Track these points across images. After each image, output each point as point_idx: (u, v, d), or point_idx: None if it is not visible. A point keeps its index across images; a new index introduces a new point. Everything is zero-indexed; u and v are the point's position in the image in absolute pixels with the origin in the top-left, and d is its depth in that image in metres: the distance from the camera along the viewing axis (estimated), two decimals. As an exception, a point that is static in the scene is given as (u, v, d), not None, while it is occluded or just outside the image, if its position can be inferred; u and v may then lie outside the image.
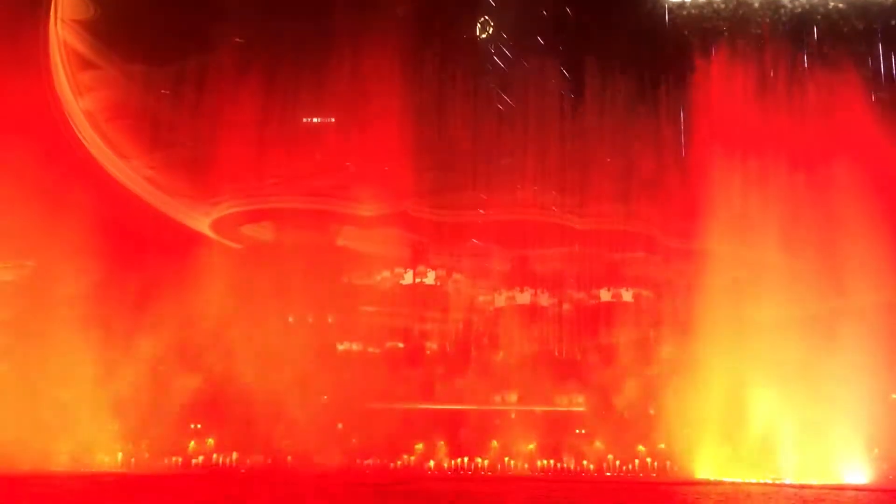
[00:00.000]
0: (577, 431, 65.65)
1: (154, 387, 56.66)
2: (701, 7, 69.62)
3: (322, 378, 62.41)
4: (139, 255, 60.58)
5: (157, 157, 65.10)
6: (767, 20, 68.84)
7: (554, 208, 66.96)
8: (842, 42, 67.47)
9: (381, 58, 61.97)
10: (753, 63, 63.90)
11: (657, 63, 65.35)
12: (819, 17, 68.88)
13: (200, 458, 58.37)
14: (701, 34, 68.17)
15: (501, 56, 66.73)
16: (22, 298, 61.00)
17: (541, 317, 67.61)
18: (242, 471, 56.88)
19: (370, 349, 67.41)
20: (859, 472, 53.66)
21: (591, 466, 62.28)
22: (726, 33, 68.20)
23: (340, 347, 66.21)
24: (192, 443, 59.98)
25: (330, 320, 66.15)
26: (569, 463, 62.82)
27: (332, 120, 64.63)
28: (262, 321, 61.79)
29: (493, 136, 64.67)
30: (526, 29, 67.04)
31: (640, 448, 64.21)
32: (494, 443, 64.47)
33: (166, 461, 56.83)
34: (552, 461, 63.22)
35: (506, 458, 62.43)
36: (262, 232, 68.97)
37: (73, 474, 49.12)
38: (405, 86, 63.16)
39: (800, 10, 68.97)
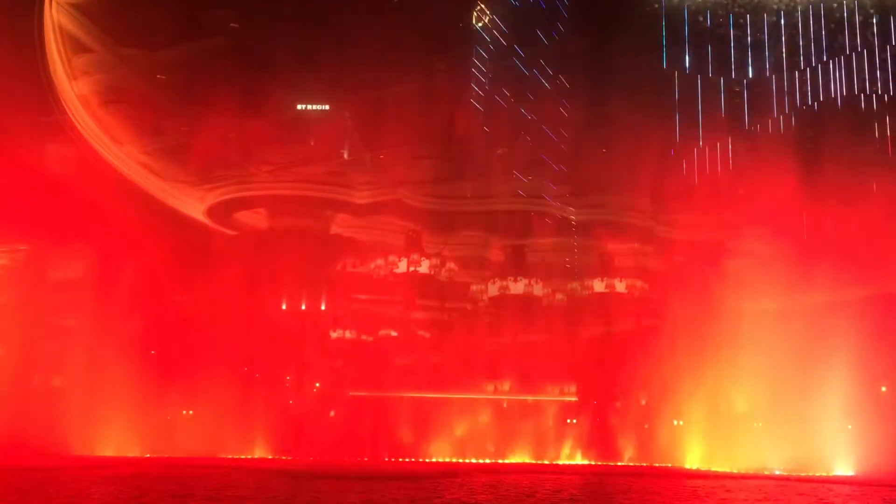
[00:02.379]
0: (569, 421, 65.96)
1: (145, 373, 56.68)
2: (698, 4, 69.21)
3: (315, 366, 62.77)
4: (133, 241, 60.57)
5: (151, 143, 64.81)
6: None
7: (549, 199, 67.02)
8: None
9: (377, 46, 61.72)
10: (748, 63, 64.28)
11: (656, 57, 65.17)
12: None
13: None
14: (697, 33, 67.92)
15: (498, 46, 66.48)
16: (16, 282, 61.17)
17: (534, 306, 67.68)
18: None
19: (363, 337, 67.52)
20: (847, 463, 53.93)
21: (583, 456, 62.67)
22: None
23: (333, 335, 66.33)
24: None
25: (323, 308, 66.29)
26: (560, 453, 63.13)
27: (327, 107, 64.42)
28: (255, 308, 61.99)
29: (488, 125, 64.60)
30: (524, 20, 66.80)
31: (632, 437, 64.60)
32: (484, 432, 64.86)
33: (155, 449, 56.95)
34: (544, 450, 63.64)
35: (495, 448, 62.80)
36: (257, 218, 68.98)
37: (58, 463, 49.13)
38: (401, 74, 62.97)
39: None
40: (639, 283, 68.95)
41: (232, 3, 65.06)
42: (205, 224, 67.80)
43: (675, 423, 62.69)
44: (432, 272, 66.62)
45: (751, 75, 65.98)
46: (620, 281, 68.55)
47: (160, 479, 37.49)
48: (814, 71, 65.12)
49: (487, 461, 59.07)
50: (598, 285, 68.55)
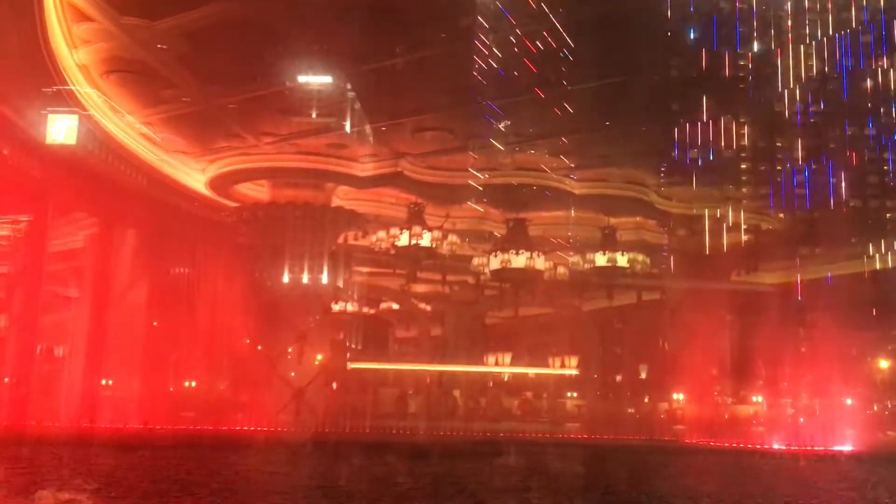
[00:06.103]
0: (569, 395, 66.39)
1: (148, 343, 56.94)
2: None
3: (317, 338, 62.94)
4: (134, 212, 60.59)
5: (152, 113, 64.36)
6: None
7: (550, 171, 66.67)
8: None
9: (380, 16, 61.02)
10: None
11: (661, 30, 64.50)
12: None
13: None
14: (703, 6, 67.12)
15: (502, 17, 65.75)
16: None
17: (536, 280, 67.70)
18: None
19: (365, 309, 67.62)
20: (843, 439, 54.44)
21: (583, 429, 63.15)
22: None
23: (335, 308, 66.42)
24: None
25: (325, 280, 66.31)
26: (560, 425, 63.63)
27: (329, 78, 63.72)
28: (257, 280, 62.04)
29: (492, 97, 64.00)
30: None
31: (630, 411, 65.11)
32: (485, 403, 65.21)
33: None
34: (543, 423, 64.09)
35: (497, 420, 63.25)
36: (258, 190, 68.79)
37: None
38: (404, 45, 62.35)
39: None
40: (640, 258, 68.96)
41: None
42: (206, 195, 67.67)
43: (675, 397, 63.20)
44: (434, 245, 66.47)
45: (756, 49, 65.43)
46: (622, 255, 68.56)
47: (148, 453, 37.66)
48: (819, 45, 64.59)
49: (489, 435, 59.53)
50: (600, 259, 68.56)
